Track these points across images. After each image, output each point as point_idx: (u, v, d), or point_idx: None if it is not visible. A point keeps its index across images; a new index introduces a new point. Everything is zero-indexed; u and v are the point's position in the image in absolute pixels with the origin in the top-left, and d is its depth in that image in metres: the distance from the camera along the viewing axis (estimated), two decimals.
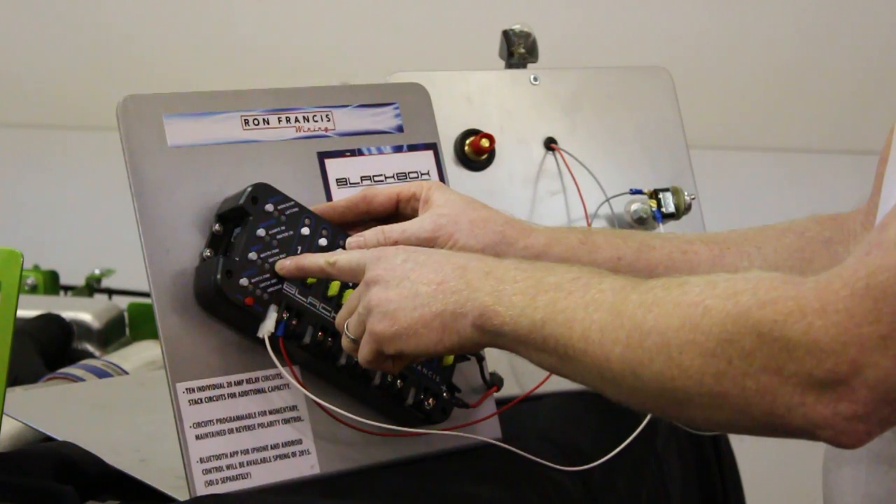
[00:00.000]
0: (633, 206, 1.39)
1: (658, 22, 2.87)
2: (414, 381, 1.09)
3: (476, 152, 1.34)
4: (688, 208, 1.40)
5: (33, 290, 1.93)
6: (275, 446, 1.06)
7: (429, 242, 1.06)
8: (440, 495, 1.06)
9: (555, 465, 1.13)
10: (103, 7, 3.09)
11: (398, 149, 1.18)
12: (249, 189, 1.05)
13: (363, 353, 0.99)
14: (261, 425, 1.06)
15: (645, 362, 0.80)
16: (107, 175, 1.79)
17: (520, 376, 1.26)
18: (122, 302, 1.86)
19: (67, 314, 1.70)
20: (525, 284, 0.90)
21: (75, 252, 2.42)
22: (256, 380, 1.06)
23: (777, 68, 2.86)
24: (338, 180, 1.14)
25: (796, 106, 2.88)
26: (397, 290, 0.95)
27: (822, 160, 2.87)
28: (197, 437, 1.02)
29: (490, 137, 1.33)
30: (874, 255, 0.74)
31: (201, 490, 1.01)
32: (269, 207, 1.05)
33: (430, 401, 1.10)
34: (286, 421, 1.07)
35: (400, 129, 1.18)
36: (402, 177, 1.17)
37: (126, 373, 1.47)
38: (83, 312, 1.71)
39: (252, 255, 1.04)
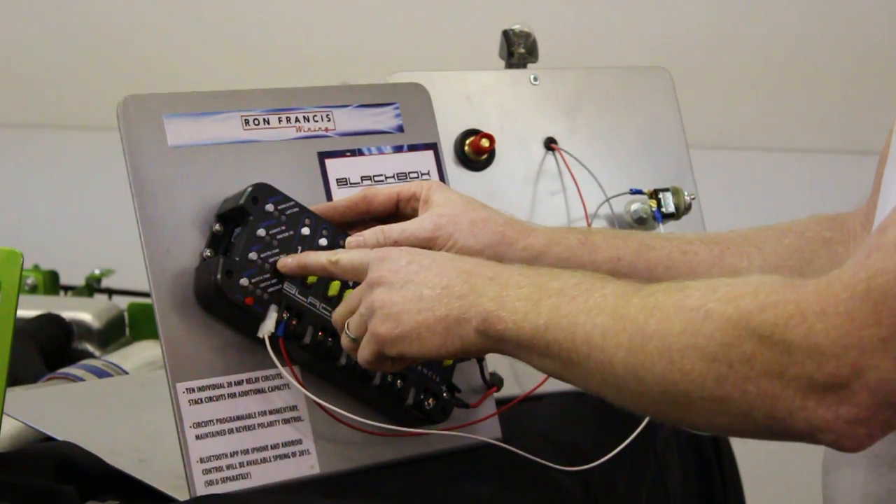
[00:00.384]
0: (633, 206, 1.38)
1: (658, 22, 2.88)
2: (414, 381, 1.09)
3: (476, 152, 1.33)
4: (688, 208, 1.40)
5: (33, 290, 1.93)
6: (275, 446, 1.05)
7: (428, 242, 1.06)
8: (440, 495, 1.06)
9: (555, 466, 1.13)
10: (103, 7, 3.09)
11: (398, 149, 1.18)
12: (250, 189, 1.05)
13: (363, 354, 0.98)
14: (261, 425, 1.05)
15: (647, 366, 0.80)
16: (107, 175, 1.79)
17: (520, 376, 1.26)
18: (122, 302, 1.86)
19: (67, 314, 1.70)
20: (528, 290, 0.90)
21: (75, 252, 2.41)
22: (256, 380, 1.06)
23: (777, 68, 2.86)
24: (338, 180, 1.14)
25: (796, 106, 2.88)
26: (401, 292, 0.95)
27: (822, 160, 2.87)
28: (197, 437, 1.02)
29: (490, 137, 1.33)
30: (874, 258, 0.73)
31: (201, 490, 1.01)
32: (270, 207, 1.05)
33: (430, 401, 1.10)
34: (286, 421, 1.07)
35: (400, 129, 1.18)
36: (403, 177, 1.17)
37: (126, 373, 1.47)
38: (83, 312, 1.71)
39: (252, 255, 1.04)
